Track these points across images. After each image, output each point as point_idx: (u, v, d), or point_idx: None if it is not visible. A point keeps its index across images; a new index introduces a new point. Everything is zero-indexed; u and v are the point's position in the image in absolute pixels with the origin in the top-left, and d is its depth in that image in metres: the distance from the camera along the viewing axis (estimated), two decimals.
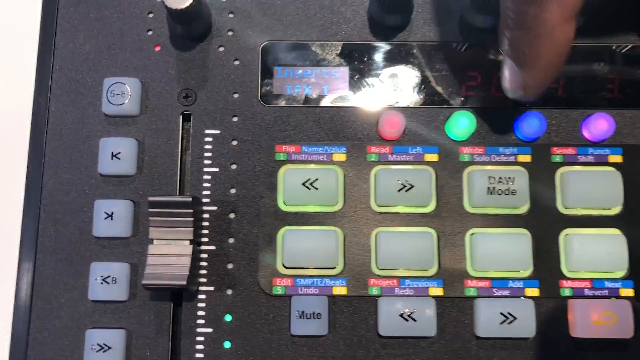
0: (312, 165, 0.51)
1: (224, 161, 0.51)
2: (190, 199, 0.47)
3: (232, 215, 0.51)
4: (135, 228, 0.50)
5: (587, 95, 0.52)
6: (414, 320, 0.48)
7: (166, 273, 0.46)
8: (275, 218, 0.51)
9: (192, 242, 0.48)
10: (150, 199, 0.47)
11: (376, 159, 0.52)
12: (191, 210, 0.47)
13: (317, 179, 0.50)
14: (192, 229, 0.47)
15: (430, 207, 0.51)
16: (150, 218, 0.48)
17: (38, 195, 0.51)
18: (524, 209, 0.51)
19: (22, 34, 0.54)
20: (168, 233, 0.47)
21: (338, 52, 0.53)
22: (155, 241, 0.47)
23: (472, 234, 0.50)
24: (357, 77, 0.53)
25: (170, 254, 0.47)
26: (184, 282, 0.46)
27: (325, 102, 0.52)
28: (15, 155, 0.52)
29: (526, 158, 0.52)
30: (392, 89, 0.53)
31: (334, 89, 0.53)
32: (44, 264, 0.50)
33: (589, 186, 0.50)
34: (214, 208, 0.51)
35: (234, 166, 0.51)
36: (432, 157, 0.52)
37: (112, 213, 0.49)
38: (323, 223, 0.51)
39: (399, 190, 0.50)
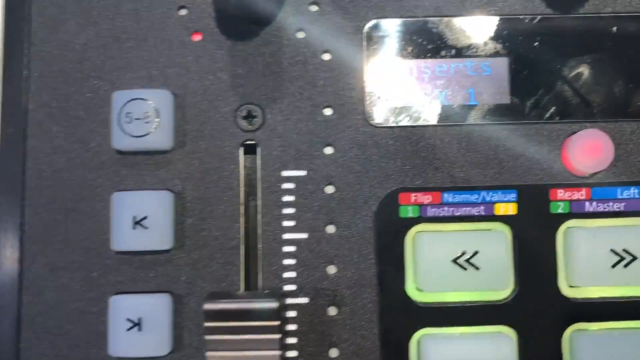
0: (464, 226, 0.31)
1: (316, 221, 0.32)
2: (276, 304, 0.28)
3: (332, 311, 0.31)
4: (177, 341, 0.31)
5: None
6: None
7: None
8: (406, 315, 0.31)
9: None
10: (207, 306, 0.28)
11: (566, 210, 0.32)
12: (277, 323, 0.28)
13: (477, 252, 0.30)
14: (278, 354, 0.28)
15: None
16: (207, 337, 0.28)
17: (15, 295, 0.31)
18: None
19: None
20: None
21: (492, 33, 0.33)
22: None
23: None
24: (523, 73, 0.33)
25: None
26: None
27: (474, 117, 0.32)
28: None
29: None
30: (584, 93, 0.32)
31: (487, 93, 0.32)
32: None
33: None
34: (304, 300, 0.31)
35: (331, 228, 0.32)
36: None
37: (139, 320, 0.30)
38: (484, 321, 0.31)
39: (613, 266, 0.30)
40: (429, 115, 0.32)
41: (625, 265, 0.30)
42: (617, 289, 0.31)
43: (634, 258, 0.30)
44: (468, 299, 0.31)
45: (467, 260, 0.30)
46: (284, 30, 0.33)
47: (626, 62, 0.32)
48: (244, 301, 0.28)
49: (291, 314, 0.31)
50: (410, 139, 0.32)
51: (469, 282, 0.30)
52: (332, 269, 0.31)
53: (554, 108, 0.32)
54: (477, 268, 0.30)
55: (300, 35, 0.33)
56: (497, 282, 0.30)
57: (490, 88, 0.33)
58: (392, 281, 0.31)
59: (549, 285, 0.31)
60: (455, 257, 0.30)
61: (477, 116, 0.32)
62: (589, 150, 0.31)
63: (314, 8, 0.33)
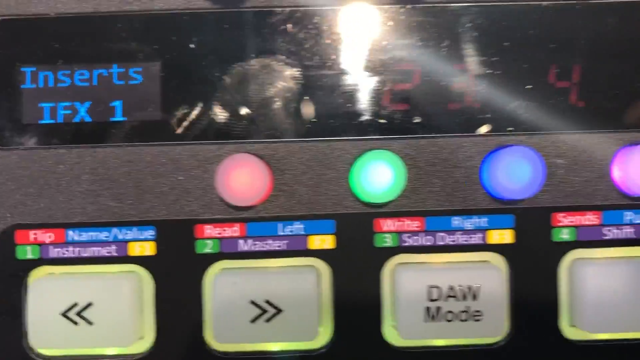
0: (88, 269, 0.27)
1: None
2: None
3: None
4: None
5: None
6: None
7: None
8: None
9: None
10: None
11: (214, 249, 0.27)
12: None
13: (90, 304, 0.26)
14: None
15: (320, 342, 0.27)
16: None
17: None
18: (495, 339, 0.27)
19: None
20: None
21: (142, 32, 0.27)
22: None
23: None
24: (175, 83, 0.27)
25: None
26: None
27: (117, 137, 0.27)
28: None
29: (505, 236, 0.27)
30: (245, 108, 0.27)
31: (135, 108, 0.27)
32: None
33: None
34: None
35: None
36: (323, 242, 0.27)
37: None
38: None
39: (253, 320, 0.26)
40: (64, 134, 0.27)
41: (268, 320, 0.25)
42: (260, 345, 0.26)
43: (279, 311, 0.26)
44: (85, 354, 0.26)
45: (79, 313, 0.25)
46: None
47: (291, 66, 0.27)
48: None
49: None
50: (37, 164, 0.27)
51: (84, 338, 0.26)
52: None
53: (211, 125, 0.27)
54: (90, 323, 0.25)
55: None
56: (122, 337, 0.26)
57: (140, 101, 0.27)
58: (9, 334, 0.27)
59: (190, 339, 0.26)
60: (65, 310, 0.25)
61: (122, 136, 0.27)
62: (237, 178, 0.26)
63: None
